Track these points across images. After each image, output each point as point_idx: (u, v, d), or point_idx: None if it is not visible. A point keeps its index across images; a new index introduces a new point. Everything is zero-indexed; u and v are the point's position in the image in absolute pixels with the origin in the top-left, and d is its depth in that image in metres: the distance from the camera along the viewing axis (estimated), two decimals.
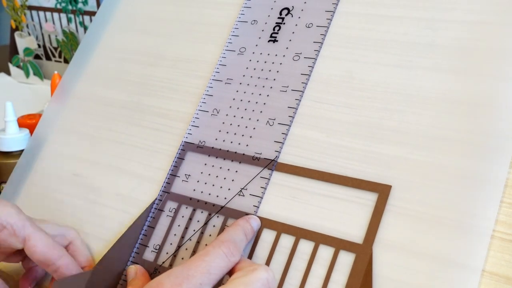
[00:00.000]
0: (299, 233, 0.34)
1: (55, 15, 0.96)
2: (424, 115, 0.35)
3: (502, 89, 0.34)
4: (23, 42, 1.02)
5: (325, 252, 0.33)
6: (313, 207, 0.35)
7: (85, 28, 0.93)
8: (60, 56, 1.00)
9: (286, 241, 0.35)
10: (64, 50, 0.98)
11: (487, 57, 0.35)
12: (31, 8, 0.99)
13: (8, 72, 1.06)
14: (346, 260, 0.32)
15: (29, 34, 1.02)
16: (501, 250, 0.30)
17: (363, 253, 0.32)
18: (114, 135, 0.46)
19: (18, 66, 1.03)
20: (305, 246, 0.34)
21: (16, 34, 1.03)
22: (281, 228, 0.35)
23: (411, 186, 0.33)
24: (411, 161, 0.34)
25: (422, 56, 0.37)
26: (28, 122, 0.70)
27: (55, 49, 1.00)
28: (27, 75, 1.01)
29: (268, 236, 0.35)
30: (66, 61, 0.99)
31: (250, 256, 0.35)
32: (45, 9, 0.97)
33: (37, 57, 1.03)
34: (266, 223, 0.36)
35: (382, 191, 0.33)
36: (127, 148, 0.45)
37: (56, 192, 0.45)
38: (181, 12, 0.49)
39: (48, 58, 1.02)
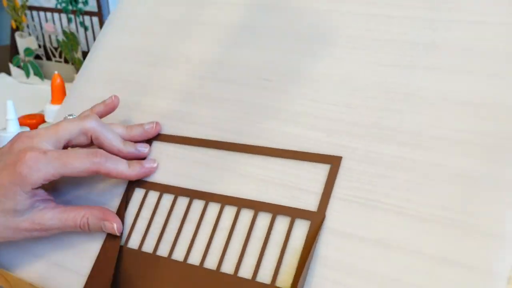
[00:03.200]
0: (257, 207, 0.37)
1: (56, 15, 0.96)
2: (424, 115, 0.35)
3: (501, 89, 0.34)
4: (24, 42, 1.02)
5: (283, 222, 0.36)
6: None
7: (85, 28, 0.93)
8: (60, 56, 1.00)
9: (245, 214, 0.37)
10: (65, 50, 0.98)
11: (486, 57, 0.35)
12: (31, 8, 0.99)
13: (8, 72, 1.06)
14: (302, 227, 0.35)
15: (29, 34, 1.02)
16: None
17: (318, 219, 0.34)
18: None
19: (18, 66, 1.03)
20: (263, 218, 0.36)
21: (17, 34, 1.03)
22: (241, 203, 0.37)
23: (409, 186, 0.33)
24: (410, 161, 0.34)
25: (421, 56, 0.37)
26: (29, 122, 0.70)
27: (56, 49, 1.00)
28: (28, 75, 1.01)
29: (229, 211, 0.37)
30: (66, 61, 0.99)
31: (214, 227, 0.37)
32: (45, 9, 0.97)
33: (37, 57, 1.03)
34: (226, 200, 0.38)
35: (334, 162, 0.36)
36: None
37: None
38: (181, 12, 0.49)
39: (48, 58, 1.02)
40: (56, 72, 0.72)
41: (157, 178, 0.41)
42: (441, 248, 0.31)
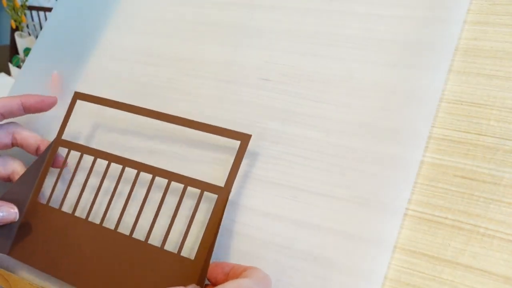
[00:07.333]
0: (171, 177, 0.38)
1: None
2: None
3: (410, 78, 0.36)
4: (23, 42, 1.02)
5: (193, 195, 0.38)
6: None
7: None
8: None
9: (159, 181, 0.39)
10: None
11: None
12: (31, 8, 0.99)
13: (8, 72, 1.06)
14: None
15: (29, 34, 1.02)
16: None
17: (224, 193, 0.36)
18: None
19: (18, 66, 1.03)
20: (177, 187, 0.38)
21: (16, 34, 1.03)
22: (156, 172, 0.39)
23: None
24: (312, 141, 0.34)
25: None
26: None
27: None
28: None
29: (144, 177, 0.40)
30: None
31: (129, 195, 0.39)
32: (45, 9, 0.97)
33: None
34: (143, 167, 0.40)
35: (244, 139, 0.37)
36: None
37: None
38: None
39: None
40: (55, 72, 0.72)
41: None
42: (356, 226, 0.34)
